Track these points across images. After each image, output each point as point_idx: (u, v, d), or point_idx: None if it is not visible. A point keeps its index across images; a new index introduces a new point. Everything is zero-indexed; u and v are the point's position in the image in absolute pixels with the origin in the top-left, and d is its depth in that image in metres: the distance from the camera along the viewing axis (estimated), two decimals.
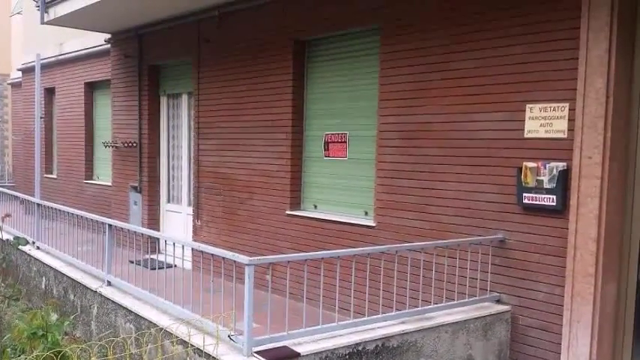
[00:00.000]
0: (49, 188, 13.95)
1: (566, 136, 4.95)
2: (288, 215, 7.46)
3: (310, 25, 7.18)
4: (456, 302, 5.32)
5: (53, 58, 13.62)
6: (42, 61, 11.94)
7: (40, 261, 8.04)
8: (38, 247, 8.51)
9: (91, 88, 12.88)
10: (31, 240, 8.79)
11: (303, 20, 7.25)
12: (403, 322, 4.93)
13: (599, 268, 4.75)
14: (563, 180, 4.93)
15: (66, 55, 13.21)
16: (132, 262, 6.16)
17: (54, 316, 6.92)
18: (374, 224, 6.46)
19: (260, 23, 7.81)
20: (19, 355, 5.72)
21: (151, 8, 8.72)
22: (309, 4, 7.18)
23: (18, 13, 17.26)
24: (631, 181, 4.88)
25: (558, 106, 5.00)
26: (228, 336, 4.40)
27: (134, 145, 10.27)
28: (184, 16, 8.89)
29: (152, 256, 7.01)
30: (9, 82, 18.92)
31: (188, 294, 5.16)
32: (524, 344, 5.30)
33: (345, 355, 4.43)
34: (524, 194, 5.16)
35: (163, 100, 10.11)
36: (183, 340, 4.64)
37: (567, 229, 4.91)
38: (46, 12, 9.69)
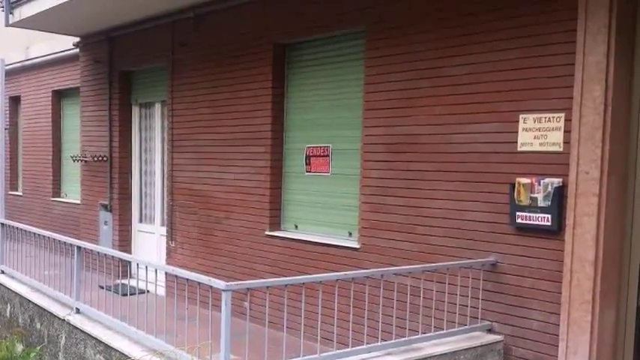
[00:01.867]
0: (14, 206, 14.04)
1: (561, 149, 5.02)
2: (268, 236, 7.54)
3: (291, 28, 7.29)
4: (445, 332, 5.37)
5: (19, 64, 13.76)
6: (6, 67, 12.05)
7: (5, 286, 8.10)
8: (2, 271, 8.56)
9: (59, 96, 13.03)
10: None
11: (283, 22, 7.36)
12: (389, 354, 4.99)
13: (597, 293, 4.80)
14: (559, 197, 4.99)
15: (32, 61, 13.36)
16: (102, 288, 6.24)
17: (19, 347, 7.02)
18: (358, 246, 6.53)
19: (238, 25, 7.92)
20: None
21: (123, 8, 8.82)
22: (289, 4, 7.29)
23: None
24: (630, 198, 4.93)
25: (553, 117, 5.07)
26: None
27: (104, 159, 10.37)
28: (158, 17, 9.02)
29: (123, 281, 7.09)
30: None
31: (162, 322, 5.26)
32: None
33: None
34: (518, 213, 5.22)
35: (135, 110, 10.23)
36: None
37: (563, 251, 4.96)
38: (11, 13, 9.78)
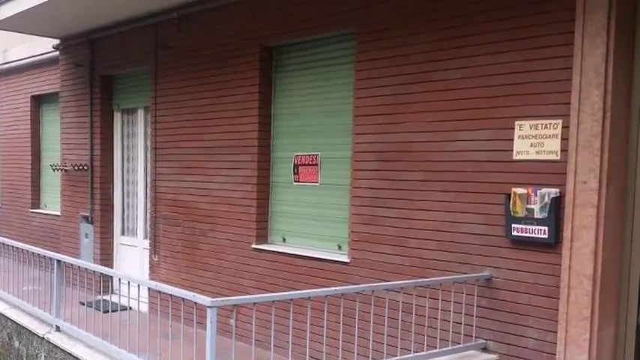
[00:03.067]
0: None
1: (559, 157, 5.03)
2: (254, 249, 7.57)
3: (278, 29, 7.33)
4: (438, 350, 5.39)
5: None
6: None
7: None
8: None
9: (38, 102, 13.08)
10: None
11: (270, 23, 7.41)
12: None
13: (596, 310, 4.81)
14: (556, 208, 5.01)
15: (10, 64, 13.40)
16: (83, 304, 6.28)
17: None
18: (348, 260, 6.55)
19: (223, 27, 7.97)
20: None
21: (104, 8, 8.85)
22: (276, 4, 7.34)
23: None
24: (630, 209, 4.95)
25: (550, 124, 5.09)
26: None
27: (85, 168, 10.41)
28: (141, 18, 9.08)
29: (105, 297, 7.14)
30: None
31: (144, 340, 5.29)
32: None
33: None
34: (513, 225, 5.24)
35: (117, 116, 10.29)
36: None
37: (560, 265, 4.98)
38: None
